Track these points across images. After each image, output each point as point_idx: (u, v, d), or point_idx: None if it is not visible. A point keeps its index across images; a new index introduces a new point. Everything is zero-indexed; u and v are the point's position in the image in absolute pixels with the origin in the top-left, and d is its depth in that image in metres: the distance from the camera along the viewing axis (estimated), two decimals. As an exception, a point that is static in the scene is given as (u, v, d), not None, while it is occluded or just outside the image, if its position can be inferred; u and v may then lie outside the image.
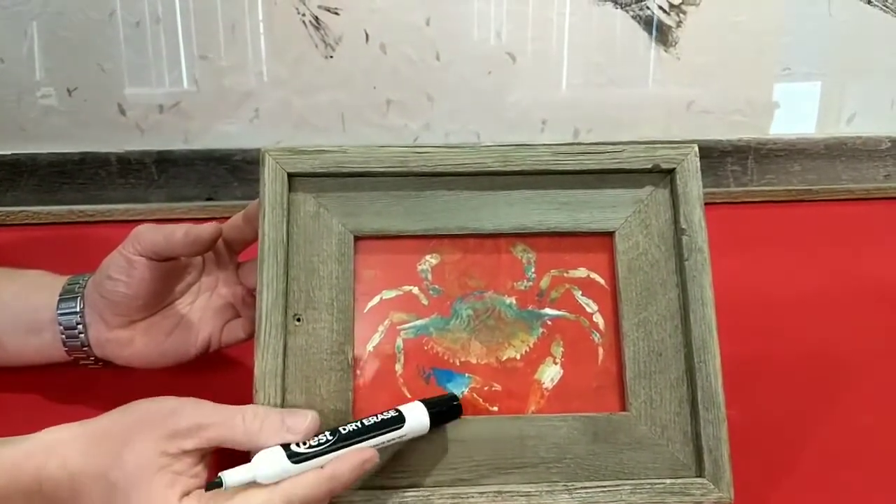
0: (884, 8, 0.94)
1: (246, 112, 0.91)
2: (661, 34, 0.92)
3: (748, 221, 0.95)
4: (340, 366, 0.61)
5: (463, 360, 0.63)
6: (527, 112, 0.94)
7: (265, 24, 0.89)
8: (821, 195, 0.98)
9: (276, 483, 0.53)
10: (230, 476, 0.53)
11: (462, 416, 0.61)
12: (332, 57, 0.90)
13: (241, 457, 0.55)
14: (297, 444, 0.54)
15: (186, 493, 0.53)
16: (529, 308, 0.64)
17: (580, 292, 0.64)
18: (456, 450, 0.60)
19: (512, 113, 0.94)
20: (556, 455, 0.61)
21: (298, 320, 0.61)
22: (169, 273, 0.67)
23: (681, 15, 0.92)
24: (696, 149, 0.65)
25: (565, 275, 0.65)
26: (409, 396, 0.61)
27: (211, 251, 0.69)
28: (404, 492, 0.59)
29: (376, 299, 0.63)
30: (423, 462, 0.60)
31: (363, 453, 0.55)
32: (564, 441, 0.61)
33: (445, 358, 0.63)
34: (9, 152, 0.90)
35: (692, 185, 0.64)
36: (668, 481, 0.61)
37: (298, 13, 0.88)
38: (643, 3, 0.91)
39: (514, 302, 0.64)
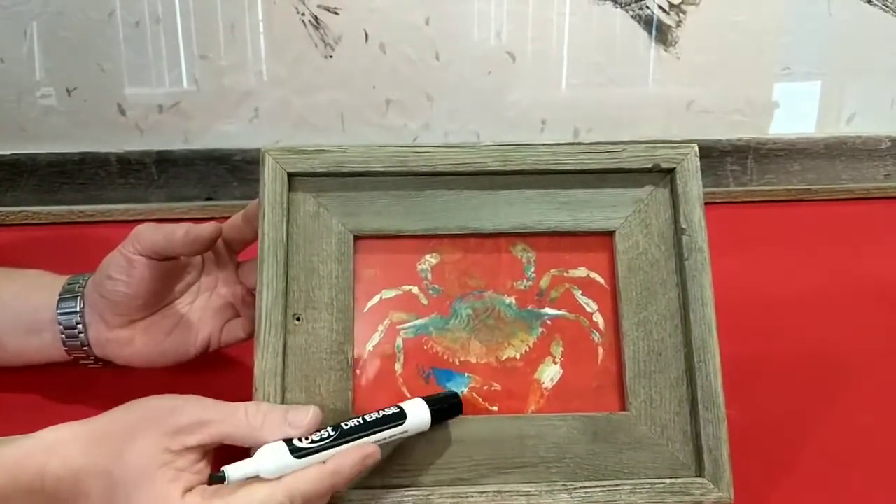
0: (884, 7, 0.94)
1: (245, 112, 0.91)
2: (661, 34, 0.92)
3: (748, 221, 0.95)
4: (340, 365, 0.61)
5: (462, 359, 0.63)
6: (526, 112, 0.94)
7: (265, 23, 0.89)
8: (820, 195, 0.98)
9: (279, 478, 0.53)
10: (233, 470, 0.53)
11: (462, 415, 0.61)
12: (331, 56, 0.90)
13: (242, 454, 0.55)
14: (300, 440, 0.55)
15: (189, 489, 0.53)
16: (529, 308, 0.64)
17: (580, 292, 0.64)
18: (455, 449, 0.60)
19: (512, 112, 0.94)
20: (556, 455, 0.61)
21: (298, 320, 0.61)
22: (169, 273, 0.67)
23: (680, 14, 0.92)
24: (696, 148, 0.65)
25: (565, 274, 0.65)
26: (408, 396, 0.61)
27: (211, 251, 0.69)
28: (404, 491, 0.59)
29: (376, 299, 0.63)
30: (422, 461, 0.60)
31: (365, 449, 0.55)
32: (564, 441, 0.61)
33: (445, 357, 0.63)
34: (9, 152, 0.90)
35: (692, 184, 0.64)
36: (667, 481, 0.61)
37: (298, 13, 0.88)
38: (643, 2, 0.91)
39: (513, 301, 0.64)
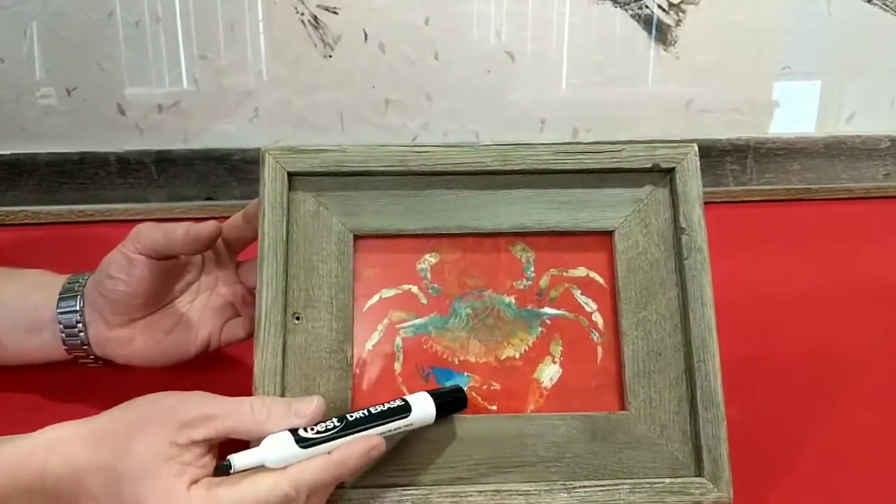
0: (884, 7, 0.94)
1: (245, 111, 0.91)
2: (661, 33, 0.92)
3: (747, 220, 0.95)
4: (340, 364, 0.61)
5: (462, 358, 0.63)
6: (526, 111, 0.94)
7: (264, 23, 0.89)
8: (820, 194, 0.98)
9: (284, 468, 0.53)
10: (238, 459, 0.53)
11: (464, 412, 0.61)
12: (330, 56, 0.90)
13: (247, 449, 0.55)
14: (305, 430, 0.55)
15: (195, 482, 0.53)
16: (528, 307, 0.64)
17: (579, 291, 0.64)
18: (455, 448, 0.60)
19: (511, 112, 0.94)
20: (555, 454, 0.61)
21: (298, 319, 0.61)
22: (169, 272, 0.67)
23: (680, 14, 0.92)
24: (696, 148, 0.65)
25: (564, 274, 0.65)
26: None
27: (210, 250, 0.69)
28: (403, 490, 0.59)
29: (375, 298, 0.63)
30: (421, 460, 0.60)
31: (370, 440, 0.55)
32: (563, 440, 0.61)
33: (444, 357, 0.63)
34: (8, 152, 0.90)
35: (692, 184, 0.64)
36: (667, 480, 0.61)
37: (297, 12, 0.88)
38: (642, 2, 0.91)
39: (513, 301, 0.64)
